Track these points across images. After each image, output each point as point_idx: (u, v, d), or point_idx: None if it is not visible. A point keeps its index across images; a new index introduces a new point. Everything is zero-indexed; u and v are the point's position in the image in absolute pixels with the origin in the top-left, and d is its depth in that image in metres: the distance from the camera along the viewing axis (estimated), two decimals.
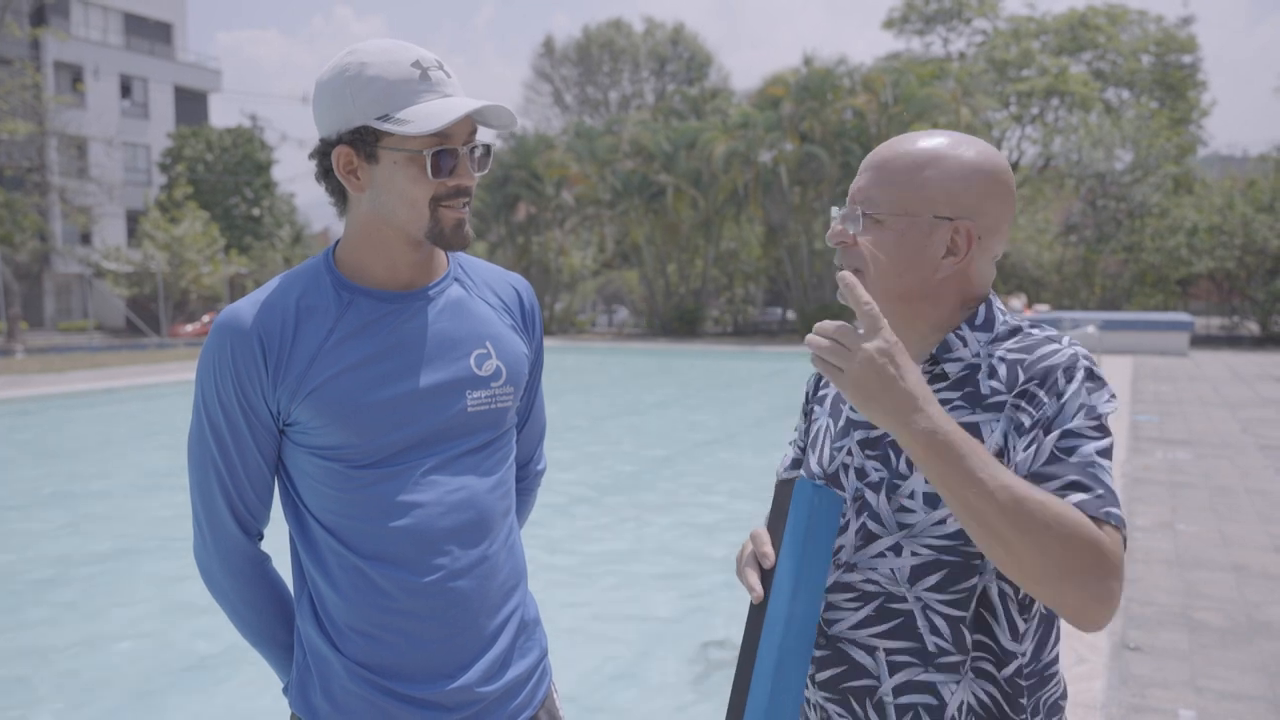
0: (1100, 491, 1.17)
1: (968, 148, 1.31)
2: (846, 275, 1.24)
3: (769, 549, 1.27)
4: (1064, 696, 1.37)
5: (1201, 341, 24.74)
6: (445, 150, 1.44)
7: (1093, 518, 1.15)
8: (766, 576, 1.27)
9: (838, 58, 28.58)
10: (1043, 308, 24.86)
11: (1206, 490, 7.42)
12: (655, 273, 30.49)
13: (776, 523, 1.29)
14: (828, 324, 1.22)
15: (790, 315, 31.29)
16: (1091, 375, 1.24)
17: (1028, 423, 1.22)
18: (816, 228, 28.01)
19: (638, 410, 14.20)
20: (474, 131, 1.49)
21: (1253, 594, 4.94)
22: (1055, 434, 1.20)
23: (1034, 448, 1.20)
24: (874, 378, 1.17)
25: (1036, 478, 1.18)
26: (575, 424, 12.13)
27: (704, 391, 16.85)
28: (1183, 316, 22.17)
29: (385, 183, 1.46)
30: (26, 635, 5.23)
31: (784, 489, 1.28)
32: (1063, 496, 1.16)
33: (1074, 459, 1.19)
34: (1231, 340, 25.73)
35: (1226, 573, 5.30)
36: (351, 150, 1.45)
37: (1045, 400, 1.22)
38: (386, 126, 1.41)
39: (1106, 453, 1.20)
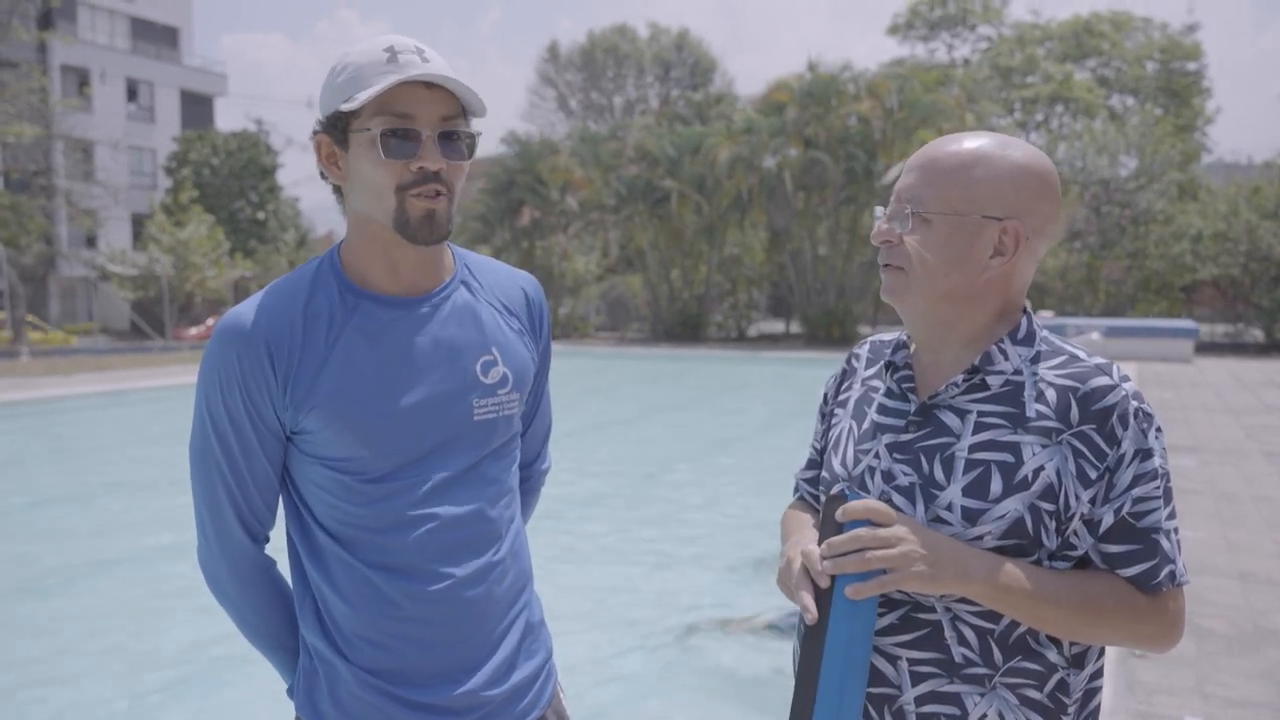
0: (1158, 560, 1.26)
1: (1015, 148, 1.33)
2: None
3: (823, 568, 1.25)
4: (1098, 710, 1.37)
5: (1206, 348, 24.66)
6: (399, 130, 1.38)
7: (1155, 584, 1.26)
8: (823, 596, 1.24)
9: (842, 63, 28.51)
10: (1046, 314, 24.80)
11: (1211, 497, 7.41)
12: (659, 278, 30.48)
13: (828, 538, 1.27)
14: (835, 541, 1.24)
15: (794, 328, 31.23)
16: (1145, 415, 1.27)
17: (1093, 475, 1.25)
18: (820, 233, 28.00)
19: (640, 412, 14.21)
20: (450, 117, 1.42)
21: (1259, 601, 4.93)
22: (1121, 500, 1.25)
23: (1104, 509, 1.25)
24: (928, 553, 1.22)
25: (1103, 541, 1.26)
26: (576, 426, 12.13)
27: (707, 396, 16.85)
28: (1188, 323, 22.09)
29: (355, 168, 1.43)
30: (30, 637, 5.24)
31: (833, 504, 1.28)
32: (1128, 566, 1.27)
33: (1140, 525, 1.26)
34: (1236, 347, 25.69)
35: (1232, 579, 5.30)
36: (328, 138, 1.44)
37: (1107, 450, 1.25)
38: (345, 106, 1.39)
39: (1168, 497, 1.27)
